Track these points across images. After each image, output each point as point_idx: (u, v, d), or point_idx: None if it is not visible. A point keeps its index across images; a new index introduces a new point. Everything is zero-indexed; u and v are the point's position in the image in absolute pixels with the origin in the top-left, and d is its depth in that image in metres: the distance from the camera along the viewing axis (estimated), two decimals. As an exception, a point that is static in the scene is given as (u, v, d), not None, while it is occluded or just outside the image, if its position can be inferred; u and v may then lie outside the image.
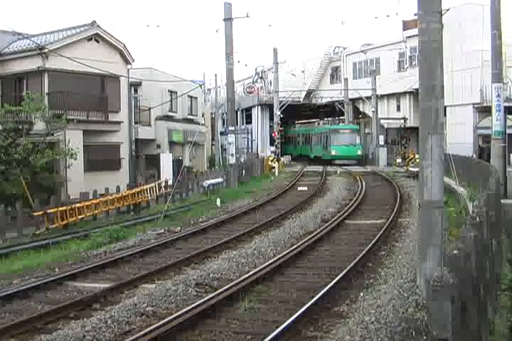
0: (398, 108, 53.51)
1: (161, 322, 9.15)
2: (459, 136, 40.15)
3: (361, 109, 58.96)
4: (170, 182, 29.10)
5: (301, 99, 62.76)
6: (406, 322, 3.10)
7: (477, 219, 6.67)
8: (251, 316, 9.88)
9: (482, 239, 6.62)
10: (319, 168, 46.48)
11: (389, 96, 53.63)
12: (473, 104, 42.59)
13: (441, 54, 10.15)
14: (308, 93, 63.54)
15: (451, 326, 3.67)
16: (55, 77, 28.67)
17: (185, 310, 9.78)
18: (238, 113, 58.61)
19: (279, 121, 51.68)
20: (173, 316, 9.42)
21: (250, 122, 63.70)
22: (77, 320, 9.88)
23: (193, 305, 9.99)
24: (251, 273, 12.37)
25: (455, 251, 4.78)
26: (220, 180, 32.44)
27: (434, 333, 3.38)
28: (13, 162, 22.99)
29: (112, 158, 32.00)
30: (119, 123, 32.11)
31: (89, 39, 30.99)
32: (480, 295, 5.79)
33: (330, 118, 68.53)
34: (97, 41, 31.42)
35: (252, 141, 62.02)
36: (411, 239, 15.83)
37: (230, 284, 11.38)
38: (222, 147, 49.88)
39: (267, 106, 59.84)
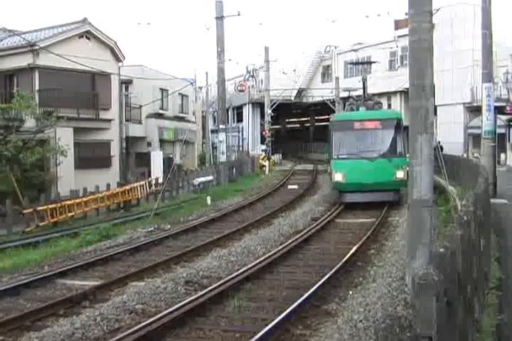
0: (389, 107, 53.55)
1: (150, 319, 9.15)
2: (450, 135, 40.24)
3: (352, 108, 58.88)
4: (160, 180, 29.11)
5: (292, 98, 62.73)
6: (390, 319, 3.11)
7: (464, 218, 6.71)
8: (240, 314, 9.89)
9: (470, 237, 6.65)
10: (310, 167, 46.48)
11: (380, 95, 53.57)
12: (464, 103, 42.76)
13: (432, 53, 10.18)
14: (300, 92, 63.55)
15: (436, 324, 3.71)
16: (46, 74, 28.57)
17: (174, 307, 9.79)
18: (229, 111, 58.50)
19: (270, 120, 51.50)
20: (163, 314, 9.42)
21: (241, 120, 63.61)
22: (67, 317, 9.89)
23: (183, 303, 10.00)
24: (240, 271, 12.39)
25: (441, 250, 4.81)
26: (210, 178, 32.45)
27: (417, 330, 3.40)
28: (3, 159, 22.92)
29: (102, 156, 31.97)
30: (109, 120, 32.07)
31: (81, 36, 30.97)
32: (467, 293, 5.82)
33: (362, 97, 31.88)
34: (88, 38, 31.36)
35: (242, 140, 61.94)
36: (400, 238, 15.88)
37: (220, 282, 11.39)
38: (212, 145, 49.80)
39: (258, 105, 59.80)
